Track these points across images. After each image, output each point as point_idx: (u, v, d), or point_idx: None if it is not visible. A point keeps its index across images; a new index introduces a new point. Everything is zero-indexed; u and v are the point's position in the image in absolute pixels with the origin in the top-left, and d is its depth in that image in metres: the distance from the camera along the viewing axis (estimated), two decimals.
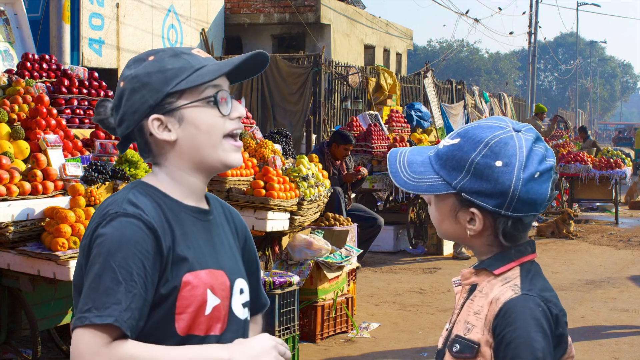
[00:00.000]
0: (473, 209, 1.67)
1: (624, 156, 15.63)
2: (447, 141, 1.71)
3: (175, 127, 1.75)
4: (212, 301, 1.74)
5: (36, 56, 6.37)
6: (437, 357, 1.77)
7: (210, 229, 1.82)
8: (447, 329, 1.76)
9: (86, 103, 6.04)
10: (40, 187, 4.51)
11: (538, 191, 1.65)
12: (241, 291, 1.84)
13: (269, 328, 5.45)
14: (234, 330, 1.79)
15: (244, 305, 1.85)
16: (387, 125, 12.57)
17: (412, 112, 15.14)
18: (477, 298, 1.70)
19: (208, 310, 1.73)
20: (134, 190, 1.74)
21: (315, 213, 6.92)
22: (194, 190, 1.81)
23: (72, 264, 4.28)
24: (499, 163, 1.63)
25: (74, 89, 6.01)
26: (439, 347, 1.76)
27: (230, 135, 1.79)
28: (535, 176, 1.64)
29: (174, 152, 1.77)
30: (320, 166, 7.36)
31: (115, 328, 1.59)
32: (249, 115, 8.19)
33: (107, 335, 1.59)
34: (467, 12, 27.96)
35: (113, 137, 5.72)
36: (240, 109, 1.81)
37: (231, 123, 1.78)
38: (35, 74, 6.15)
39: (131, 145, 6.09)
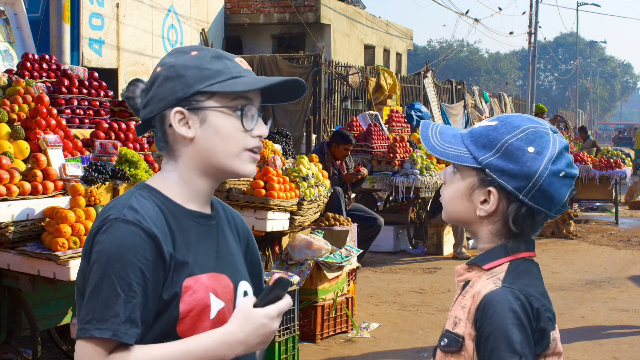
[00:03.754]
0: (491, 188, 1.69)
1: (624, 156, 15.64)
2: (484, 122, 1.76)
3: (195, 125, 1.74)
4: (217, 305, 1.74)
5: (36, 56, 6.37)
6: (433, 353, 1.78)
7: (212, 233, 1.81)
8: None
9: (86, 103, 6.04)
10: (40, 187, 4.51)
11: (558, 190, 1.68)
12: (245, 293, 1.84)
13: None
14: None
15: None
16: (387, 125, 12.57)
17: (412, 112, 15.14)
18: (467, 293, 1.71)
19: (213, 314, 1.73)
20: (136, 194, 1.73)
21: (315, 213, 6.92)
22: (199, 194, 1.79)
23: (72, 264, 4.28)
24: (531, 149, 1.67)
25: (74, 89, 6.01)
26: (435, 345, 1.78)
27: (249, 150, 1.78)
28: (561, 175, 1.67)
29: (189, 150, 1.76)
30: (320, 166, 7.36)
31: (114, 341, 1.61)
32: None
33: (107, 347, 1.61)
34: (467, 12, 27.95)
35: (113, 137, 5.72)
36: (263, 129, 1.79)
37: (252, 140, 1.77)
38: (35, 74, 6.15)
39: (131, 145, 6.04)
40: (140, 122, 1.83)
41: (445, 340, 1.69)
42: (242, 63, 1.80)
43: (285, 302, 1.72)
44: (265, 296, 1.71)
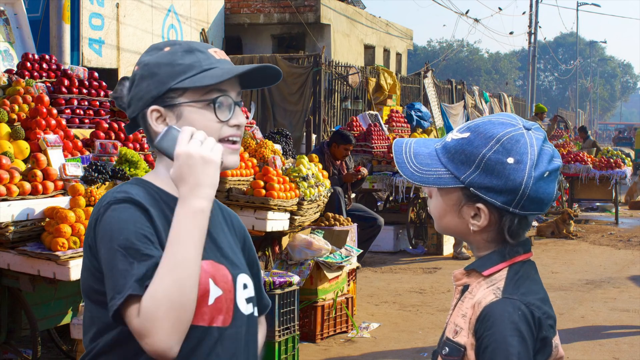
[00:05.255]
0: (479, 205, 1.65)
1: (624, 156, 15.64)
2: (455, 135, 1.69)
3: (172, 122, 1.76)
4: (215, 292, 1.73)
5: (36, 56, 6.37)
6: (432, 357, 1.77)
7: (209, 224, 1.80)
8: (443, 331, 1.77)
9: (86, 103, 6.04)
10: (40, 187, 4.51)
11: (546, 190, 1.64)
12: (245, 286, 1.83)
13: (269, 328, 5.45)
14: (239, 325, 1.78)
15: (248, 300, 1.83)
16: (387, 125, 12.57)
17: (412, 112, 15.13)
18: (467, 300, 1.69)
19: (211, 301, 1.72)
20: (127, 183, 1.78)
21: (315, 213, 6.92)
22: None
23: (72, 264, 4.28)
24: (510, 160, 1.61)
25: (74, 89, 6.01)
26: (435, 349, 1.76)
27: (227, 140, 1.78)
28: (545, 175, 1.63)
29: None
30: (320, 166, 7.36)
31: (136, 297, 1.57)
32: (249, 115, 8.18)
33: (134, 306, 1.58)
34: (467, 12, 27.95)
35: (113, 137, 5.72)
36: (240, 117, 1.80)
37: (228, 129, 1.78)
38: (35, 74, 6.15)
39: (131, 145, 6.04)
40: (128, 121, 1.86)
41: (447, 349, 1.66)
42: (216, 53, 1.81)
43: (184, 128, 1.67)
44: (164, 146, 1.68)
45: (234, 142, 1.80)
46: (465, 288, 1.72)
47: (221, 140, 1.77)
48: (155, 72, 1.76)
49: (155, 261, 1.61)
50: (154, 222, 1.68)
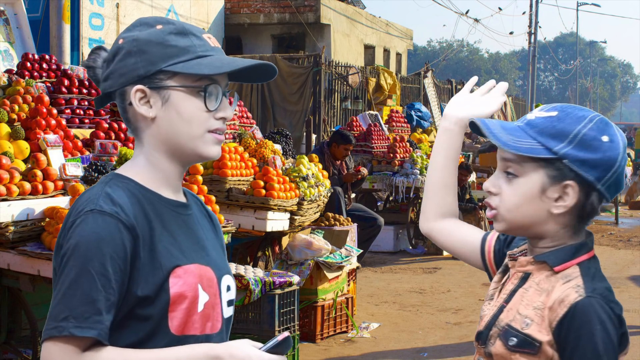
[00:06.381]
0: (569, 182, 1.63)
1: None
2: (540, 113, 1.69)
3: (157, 105, 1.65)
4: (203, 298, 1.66)
5: (36, 56, 6.38)
6: (477, 338, 1.72)
7: (191, 223, 1.73)
8: (488, 311, 1.72)
9: (86, 103, 6.05)
10: (40, 187, 4.51)
11: (622, 180, 1.67)
12: (228, 288, 1.76)
13: (269, 328, 5.45)
14: (222, 329, 1.72)
15: (229, 303, 1.76)
16: (387, 125, 12.58)
17: (412, 112, 15.15)
18: (533, 290, 1.66)
19: (200, 307, 1.65)
20: (110, 184, 1.64)
21: (315, 213, 6.92)
22: (169, 179, 1.71)
23: None
24: (605, 138, 1.63)
25: (74, 89, 6.01)
26: (480, 329, 1.72)
27: (212, 131, 1.70)
28: (624, 163, 1.67)
29: (151, 129, 1.68)
30: (320, 166, 7.36)
31: (91, 339, 1.53)
32: (249, 115, 8.19)
33: (82, 345, 1.53)
34: (467, 12, 27.96)
35: (113, 137, 5.72)
36: (228, 110, 1.70)
37: (215, 122, 1.68)
38: (35, 74, 6.15)
39: (131, 145, 6.01)
40: (100, 93, 1.74)
41: (514, 339, 1.63)
42: (210, 39, 1.71)
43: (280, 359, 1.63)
44: (271, 346, 1.63)
45: (219, 134, 1.72)
46: (526, 276, 1.69)
47: (208, 131, 1.68)
48: (144, 50, 1.64)
49: (114, 299, 1.55)
50: (136, 240, 1.60)
